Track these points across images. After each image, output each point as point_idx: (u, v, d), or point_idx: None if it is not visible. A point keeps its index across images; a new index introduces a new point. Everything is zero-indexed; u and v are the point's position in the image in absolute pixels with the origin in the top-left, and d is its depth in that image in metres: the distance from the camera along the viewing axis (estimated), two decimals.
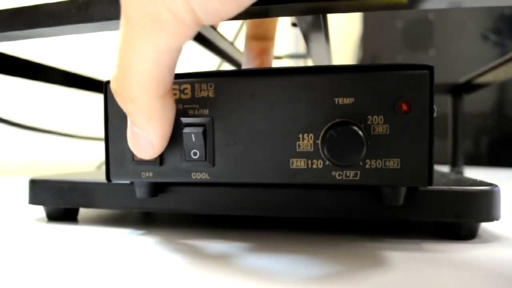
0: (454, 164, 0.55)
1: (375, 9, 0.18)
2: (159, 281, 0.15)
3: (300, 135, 0.18)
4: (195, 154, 0.19)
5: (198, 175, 0.20)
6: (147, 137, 0.18)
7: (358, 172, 0.18)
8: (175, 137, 0.20)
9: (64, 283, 0.14)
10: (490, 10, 0.94)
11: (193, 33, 0.15)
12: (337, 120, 0.18)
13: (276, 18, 0.31)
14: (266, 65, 0.32)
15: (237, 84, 0.19)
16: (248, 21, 0.32)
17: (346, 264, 0.16)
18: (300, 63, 0.98)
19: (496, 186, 0.20)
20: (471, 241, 0.20)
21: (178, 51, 0.16)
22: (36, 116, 0.69)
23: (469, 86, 0.52)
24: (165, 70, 0.16)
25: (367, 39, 1.16)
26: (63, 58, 0.70)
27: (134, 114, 0.17)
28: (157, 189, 0.22)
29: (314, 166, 0.18)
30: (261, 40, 0.31)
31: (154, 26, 0.14)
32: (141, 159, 0.20)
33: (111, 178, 0.21)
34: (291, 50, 1.07)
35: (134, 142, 0.18)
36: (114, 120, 0.21)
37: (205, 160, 0.19)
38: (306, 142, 0.18)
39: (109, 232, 0.22)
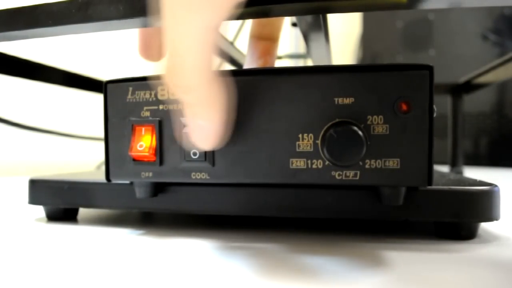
0: (454, 164, 0.55)
1: (375, 9, 0.18)
2: (159, 281, 0.15)
3: (300, 135, 0.18)
4: (194, 154, 0.19)
5: (198, 175, 0.20)
6: (209, 126, 0.17)
7: (358, 172, 0.18)
8: (175, 137, 0.20)
9: (64, 283, 0.14)
10: (490, 10, 0.94)
11: (234, 5, 0.15)
12: (337, 120, 0.18)
13: (281, 18, 0.31)
14: (268, 66, 0.32)
15: (238, 84, 0.19)
16: (254, 20, 0.32)
17: (346, 264, 0.16)
18: (300, 63, 0.99)
19: (496, 186, 0.20)
20: (470, 241, 0.20)
21: (220, 27, 0.16)
22: (36, 116, 0.69)
23: (469, 86, 0.52)
24: (211, 50, 0.16)
25: (367, 39, 1.16)
26: (63, 58, 0.70)
27: (195, 104, 0.17)
28: (156, 189, 0.22)
29: (314, 166, 0.18)
30: (266, 40, 0.31)
31: (200, 3, 0.14)
32: (141, 158, 0.20)
33: (111, 178, 0.21)
34: (291, 50, 1.07)
35: (197, 135, 0.17)
36: (114, 120, 0.21)
37: (205, 160, 0.19)
38: (306, 142, 0.18)
39: (109, 232, 0.22)
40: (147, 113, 0.20)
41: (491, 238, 0.21)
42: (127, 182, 0.23)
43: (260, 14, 0.19)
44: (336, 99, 0.18)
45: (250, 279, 0.15)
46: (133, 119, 0.21)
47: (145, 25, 0.20)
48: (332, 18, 0.26)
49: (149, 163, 0.20)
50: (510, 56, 0.38)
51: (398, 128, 0.18)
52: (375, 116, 0.18)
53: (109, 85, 0.21)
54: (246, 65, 0.32)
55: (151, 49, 0.26)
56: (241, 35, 0.59)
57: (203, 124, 0.17)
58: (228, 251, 0.18)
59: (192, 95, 0.16)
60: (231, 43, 0.37)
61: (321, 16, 0.21)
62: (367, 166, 0.18)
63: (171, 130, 0.20)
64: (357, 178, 0.18)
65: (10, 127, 0.48)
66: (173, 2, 0.15)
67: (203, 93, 0.16)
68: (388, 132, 0.18)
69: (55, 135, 0.58)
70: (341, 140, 0.17)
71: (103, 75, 0.40)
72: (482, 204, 0.19)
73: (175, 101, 0.20)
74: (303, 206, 0.20)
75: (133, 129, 0.20)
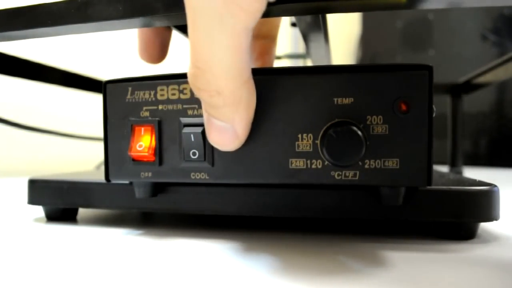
0: (453, 164, 0.55)
1: (375, 9, 0.18)
2: (157, 281, 0.15)
3: (299, 135, 0.18)
4: (194, 154, 0.19)
5: (197, 175, 0.20)
6: (231, 128, 0.17)
7: (357, 172, 0.18)
8: (174, 137, 0.20)
9: (63, 283, 0.14)
10: (489, 10, 0.95)
11: (264, 7, 0.15)
12: (336, 120, 0.18)
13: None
14: (267, 66, 0.32)
15: None
16: None
17: (346, 264, 0.16)
18: (299, 63, 0.99)
19: (495, 186, 0.20)
20: (470, 241, 0.20)
21: (252, 30, 0.15)
22: (36, 116, 0.69)
23: (468, 86, 0.52)
24: (245, 53, 0.15)
25: (366, 39, 1.16)
26: (63, 58, 0.70)
27: (221, 107, 0.16)
28: (156, 189, 0.22)
29: (313, 166, 0.18)
30: (263, 39, 0.31)
31: (230, 9, 0.14)
32: (140, 158, 0.20)
33: (110, 178, 0.21)
34: (290, 50, 1.07)
35: (218, 136, 0.17)
36: (113, 120, 0.21)
37: (204, 160, 0.19)
38: (305, 142, 0.18)
39: (108, 232, 0.22)
40: (147, 113, 0.20)
41: (491, 238, 0.21)
42: (127, 182, 0.23)
43: None
44: (335, 99, 0.18)
45: (249, 279, 0.15)
46: (133, 119, 0.21)
47: (144, 25, 0.20)
48: (332, 18, 0.26)
49: (148, 163, 0.20)
50: (509, 56, 0.38)
51: (398, 128, 0.18)
52: (374, 116, 0.18)
53: (108, 85, 0.21)
54: None
55: (151, 51, 0.26)
56: None
57: (226, 126, 0.17)
58: (227, 252, 0.18)
59: (218, 99, 0.16)
60: None
61: (320, 16, 0.21)
62: (366, 166, 0.18)
63: (171, 130, 0.20)
64: (357, 178, 0.18)
65: (10, 127, 0.48)
66: (201, 12, 0.14)
67: (232, 97, 0.16)
68: (387, 132, 0.18)
69: (55, 135, 0.58)
70: (340, 140, 0.17)
71: (103, 75, 0.40)
72: (481, 204, 0.19)
73: (174, 102, 0.20)
74: (303, 206, 0.20)
75: (132, 129, 0.20)
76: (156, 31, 0.25)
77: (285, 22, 0.99)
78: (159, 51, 0.26)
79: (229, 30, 0.14)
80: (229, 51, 0.15)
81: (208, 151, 0.19)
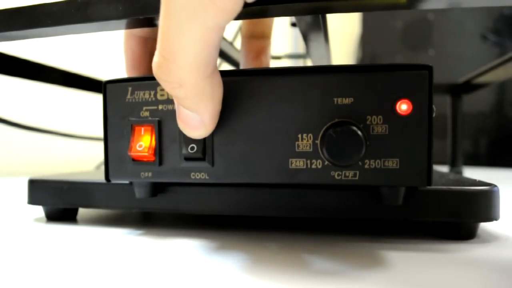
0: (453, 164, 0.55)
1: (375, 9, 0.18)
2: (157, 281, 0.15)
3: (299, 135, 0.18)
4: (192, 148, 0.19)
5: (197, 175, 0.20)
6: (198, 117, 0.17)
7: (357, 172, 0.18)
8: (174, 137, 0.20)
9: (63, 283, 0.14)
10: (489, 10, 0.95)
11: (240, 8, 0.15)
12: (336, 120, 0.18)
13: None
14: (264, 65, 0.32)
15: (237, 84, 0.19)
16: (244, 20, 0.32)
17: (346, 264, 0.16)
18: (299, 63, 0.99)
19: (495, 186, 0.20)
20: (470, 241, 0.20)
21: (224, 28, 0.15)
22: (36, 116, 0.69)
23: (468, 86, 0.52)
24: (213, 48, 0.16)
25: (366, 39, 1.16)
26: (63, 58, 0.70)
27: (184, 98, 0.16)
28: (156, 189, 0.22)
29: (313, 166, 0.18)
30: (258, 39, 0.31)
31: (203, 3, 0.14)
32: (140, 158, 0.20)
33: (110, 178, 0.21)
34: (290, 50, 1.07)
35: (185, 124, 0.18)
36: (113, 120, 0.21)
37: (204, 160, 0.19)
38: (305, 142, 0.18)
39: (108, 232, 0.22)
40: (147, 113, 0.20)
41: (490, 238, 0.21)
42: (127, 182, 0.23)
43: (259, 14, 0.19)
44: (335, 99, 0.18)
45: (249, 279, 0.15)
46: (133, 119, 0.21)
47: (145, 25, 0.20)
48: (332, 18, 0.26)
49: (148, 163, 0.20)
50: (509, 56, 0.38)
51: (398, 128, 0.18)
52: (374, 116, 0.18)
53: (108, 85, 0.21)
54: (242, 66, 0.32)
55: (143, 69, 0.25)
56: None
57: (190, 114, 0.17)
58: (228, 252, 0.18)
59: (180, 91, 0.16)
60: (231, 43, 0.37)
61: (320, 16, 0.21)
62: (366, 166, 0.18)
63: (171, 130, 0.20)
64: (357, 178, 0.18)
65: (10, 127, 0.48)
66: (174, 2, 0.14)
67: (194, 90, 0.16)
68: (387, 132, 0.18)
69: (55, 135, 0.58)
70: (340, 140, 0.17)
71: (103, 75, 0.40)
72: (481, 204, 0.19)
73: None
74: (303, 206, 0.20)
75: (132, 129, 0.20)
76: (145, 44, 0.24)
77: (285, 22, 0.99)
78: (150, 66, 0.25)
79: (200, 23, 0.15)
80: (197, 45, 0.15)
81: (208, 151, 0.19)
